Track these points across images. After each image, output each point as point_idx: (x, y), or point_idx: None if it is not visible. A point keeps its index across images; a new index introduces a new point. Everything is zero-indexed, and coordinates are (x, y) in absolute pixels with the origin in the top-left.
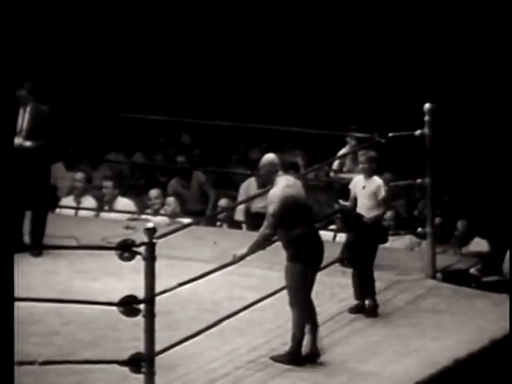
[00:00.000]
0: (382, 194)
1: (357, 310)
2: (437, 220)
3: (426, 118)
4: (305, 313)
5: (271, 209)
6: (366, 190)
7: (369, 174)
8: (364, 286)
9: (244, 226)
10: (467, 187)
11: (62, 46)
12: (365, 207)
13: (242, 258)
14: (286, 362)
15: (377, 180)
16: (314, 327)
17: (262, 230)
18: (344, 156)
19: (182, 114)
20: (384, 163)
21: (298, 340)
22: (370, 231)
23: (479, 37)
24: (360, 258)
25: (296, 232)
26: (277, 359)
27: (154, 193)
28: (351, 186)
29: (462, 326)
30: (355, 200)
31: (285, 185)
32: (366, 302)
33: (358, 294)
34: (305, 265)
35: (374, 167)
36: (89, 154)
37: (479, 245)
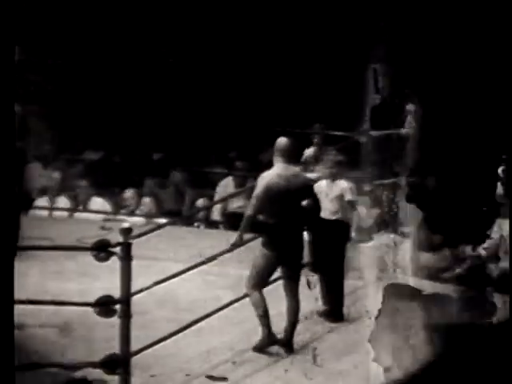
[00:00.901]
0: (348, 197)
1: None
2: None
3: (407, 118)
4: (255, 292)
5: (255, 191)
6: (331, 193)
7: (335, 178)
8: (329, 291)
9: (221, 225)
10: (444, 186)
11: (46, 43)
12: (329, 211)
13: (237, 243)
14: (258, 348)
15: (342, 183)
16: (294, 323)
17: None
18: (312, 156)
19: (161, 114)
20: (359, 162)
21: (260, 318)
22: (333, 231)
23: (449, 36)
24: (327, 263)
25: (272, 220)
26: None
27: (128, 193)
28: (315, 190)
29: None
30: (317, 202)
31: (276, 173)
32: (326, 307)
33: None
34: (271, 252)
35: (340, 171)
36: (65, 152)
37: (467, 247)
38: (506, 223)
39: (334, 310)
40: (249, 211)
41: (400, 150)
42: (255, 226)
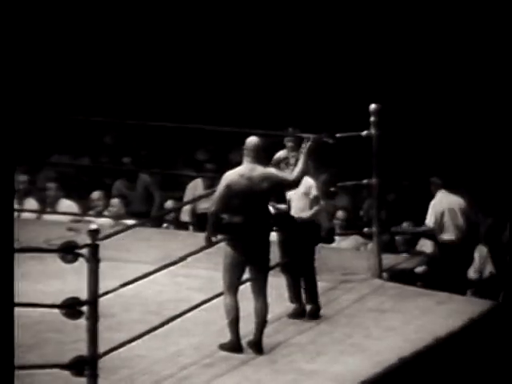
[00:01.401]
0: (313, 193)
1: (295, 314)
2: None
3: (372, 118)
4: (229, 298)
5: (217, 189)
6: (297, 191)
7: None
8: (307, 291)
9: (190, 227)
10: (413, 187)
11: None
12: (297, 208)
13: (208, 241)
14: (224, 349)
15: (308, 180)
16: (262, 323)
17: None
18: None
19: (128, 115)
20: (330, 163)
21: (229, 325)
22: (303, 231)
23: (421, 37)
24: (298, 262)
25: (235, 219)
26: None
27: (96, 194)
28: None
29: (407, 324)
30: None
31: (238, 172)
32: (309, 307)
33: (294, 297)
34: (235, 251)
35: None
36: (32, 157)
37: (425, 246)
38: (447, 195)
39: (310, 310)
40: (212, 207)
41: (365, 152)
42: (220, 226)
